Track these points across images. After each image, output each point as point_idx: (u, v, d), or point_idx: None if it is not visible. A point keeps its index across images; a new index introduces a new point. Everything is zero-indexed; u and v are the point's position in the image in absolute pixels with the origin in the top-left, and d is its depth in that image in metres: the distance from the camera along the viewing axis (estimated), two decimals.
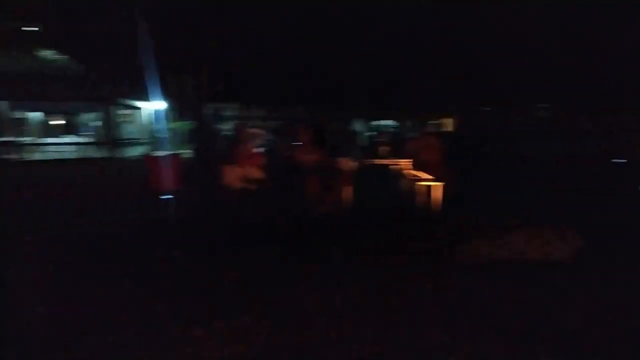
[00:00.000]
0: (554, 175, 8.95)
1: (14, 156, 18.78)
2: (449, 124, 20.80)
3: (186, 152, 17.05)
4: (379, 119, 33.92)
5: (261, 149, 8.46)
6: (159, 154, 9.25)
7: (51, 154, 19.61)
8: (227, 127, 27.16)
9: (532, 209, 6.35)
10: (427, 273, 4.02)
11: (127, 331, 2.97)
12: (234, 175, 6.10)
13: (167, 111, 27.95)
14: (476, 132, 16.96)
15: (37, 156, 19.61)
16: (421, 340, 2.84)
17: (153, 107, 25.73)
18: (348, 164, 7.53)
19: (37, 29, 17.28)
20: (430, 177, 6.98)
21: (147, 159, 7.62)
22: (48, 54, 20.62)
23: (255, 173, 6.25)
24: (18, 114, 23.40)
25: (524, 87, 11.68)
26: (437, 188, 6.76)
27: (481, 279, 3.85)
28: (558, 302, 3.39)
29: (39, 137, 24.19)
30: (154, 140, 27.10)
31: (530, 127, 13.43)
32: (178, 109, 28.48)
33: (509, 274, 4.00)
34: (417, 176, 7.17)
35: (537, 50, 10.72)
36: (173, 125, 28.67)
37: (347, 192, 6.82)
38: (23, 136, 23.26)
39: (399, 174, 7.72)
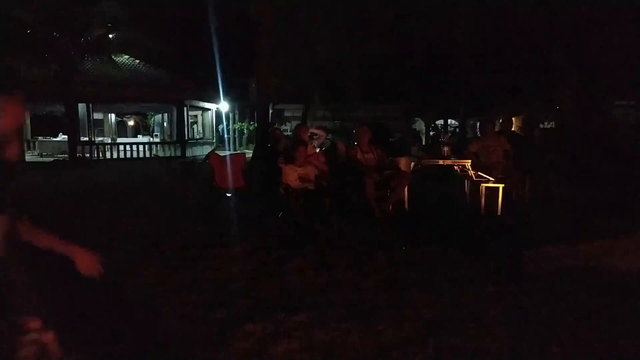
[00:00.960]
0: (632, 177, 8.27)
1: (90, 155, 20.06)
2: (515, 124, 19.94)
3: (249, 151, 17.52)
4: (442, 118, 33.17)
5: (321, 149, 8.52)
6: (222, 153, 9.55)
7: (124, 152, 20.78)
8: (288, 127, 27.58)
9: (606, 213, 5.89)
10: (493, 281, 3.83)
11: None
12: (293, 175, 6.16)
13: (231, 112, 28.87)
14: (544, 131, 16.12)
15: (112, 155, 20.85)
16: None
17: (219, 108, 26.63)
18: (408, 163, 7.41)
19: (113, 35, 18.36)
20: (496, 178, 6.70)
21: (211, 157, 7.87)
22: (122, 58, 21.89)
23: (315, 173, 6.28)
24: (96, 116, 25.04)
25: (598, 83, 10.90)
26: (502, 190, 6.48)
27: (547, 289, 3.65)
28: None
29: (113, 137, 25.76)
30: (219, 140, 28.06)
31: (609, 126, 12.46)
32: (242, 110, 29.32)
33: (578, 283, 3.75)
34: (481, 177, 6.92)
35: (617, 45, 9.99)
36: (237, 125, 29.56)
37: (407, 192, 6.70)
38: (100, 136, 24.87)
39: (461, 174, 7.48)
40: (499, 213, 6.39)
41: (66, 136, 20.43)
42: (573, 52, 10.12)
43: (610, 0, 9.58)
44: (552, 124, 18.89)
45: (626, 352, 2.71)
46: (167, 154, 21.96)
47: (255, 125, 19.28)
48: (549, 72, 11.94)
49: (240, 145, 28.78)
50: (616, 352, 2.70)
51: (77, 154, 19.35)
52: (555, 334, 2.87)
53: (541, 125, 18.67)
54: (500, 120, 8.95)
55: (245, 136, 29.83)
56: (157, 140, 26.34)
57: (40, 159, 20.49)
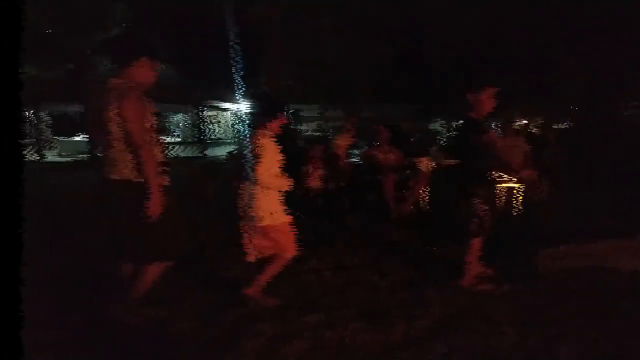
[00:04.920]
0: None
1: None
2: (533, 124, 19.69)
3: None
4: (461, 119, 32.71)
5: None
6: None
7: None
8: (306, 128, 27.54)
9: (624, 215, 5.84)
10: (504, 281, 3.86)
11: None
12: (313, 175, 6.25)
13: (251, 112, 28.96)
14: (559, 132, 15.88)
15: None
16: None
17: (238, 108, 26.73)
18: (427, 164, 7.43)
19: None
20: (514, 178, 6.69)
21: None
22: None
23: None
24: None
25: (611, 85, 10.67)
26: (520, 190, 6.48)
27: (557, 288, 3.69)
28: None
29: None
30: (240, 140, 28.15)
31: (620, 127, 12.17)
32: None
33: (588, 283, 3.77)
34: (499, 177, 6.91)
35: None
36: None
37: (425, 192, 6.72)
38: None
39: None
40: (513, 212, 6.39)
41: (85, 136, 20.69)
42: (584, 53, 10.02)
43: (618, 1, 9.46)
44: (567, 125, 18.64)
45: (635, 351, 2.75)
46: (188, 154, 22.18)
47: None
48: (561, 74, 11.83)
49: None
50: (625, 352, 2.73)
51: (98, 154, 19.54)
52: (565, 334, 2.91)
53: (559, 126, 18.44)
54: (518, 122, 8.91)
55: None
56: (177, 140, 26.59)
57: (59, 159, 20.71)
